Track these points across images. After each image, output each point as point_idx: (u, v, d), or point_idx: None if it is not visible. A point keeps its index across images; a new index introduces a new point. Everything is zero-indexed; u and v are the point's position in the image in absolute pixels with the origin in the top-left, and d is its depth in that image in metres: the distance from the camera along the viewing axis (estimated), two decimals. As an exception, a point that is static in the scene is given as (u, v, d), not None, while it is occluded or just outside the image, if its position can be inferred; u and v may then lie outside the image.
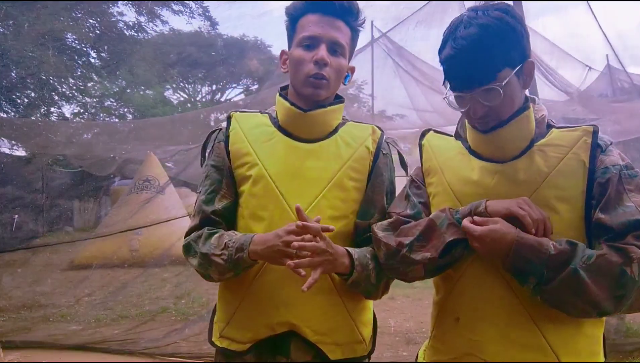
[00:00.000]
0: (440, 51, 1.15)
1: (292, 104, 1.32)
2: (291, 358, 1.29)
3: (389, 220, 1.26)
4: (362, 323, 1.36)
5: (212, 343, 1.39)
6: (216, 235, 1.29)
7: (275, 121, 1.36)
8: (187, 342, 4.19)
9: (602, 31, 6.15)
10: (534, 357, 1.11)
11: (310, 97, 1.30)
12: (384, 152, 1.38)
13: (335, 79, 1.31)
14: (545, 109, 1.23)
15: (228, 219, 1.35)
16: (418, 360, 1.35)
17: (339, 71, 1.31)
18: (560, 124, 1.22)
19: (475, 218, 1.10)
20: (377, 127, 1.40)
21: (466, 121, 1.25)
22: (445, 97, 1.17)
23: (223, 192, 1.35)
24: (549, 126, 1.21)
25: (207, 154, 1.41)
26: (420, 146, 1.33)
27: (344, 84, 1.37)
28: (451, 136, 1.32)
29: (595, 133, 1.15)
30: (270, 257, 1.21)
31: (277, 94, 1.38)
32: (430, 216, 1.20)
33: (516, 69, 1.11)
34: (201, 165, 1.42)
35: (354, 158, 1.33)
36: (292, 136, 1.33)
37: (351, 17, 1.31)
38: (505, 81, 1.08)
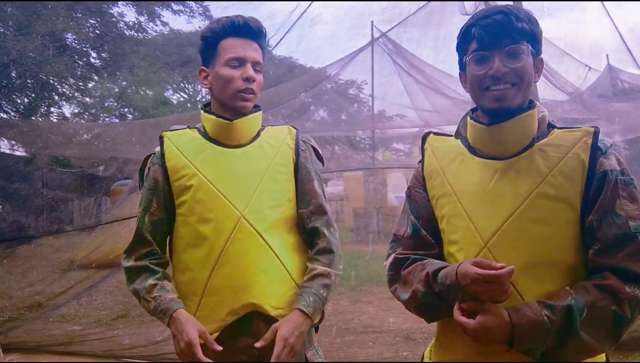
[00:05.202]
0: (467, 24, 1.20)
1: (218, 116, 1.51)
2: (257, 337, 1.42)
3: (390, 260, 1.29)
4: None
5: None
6: (151, 281, 1.46)
7: (204, 134, 1.54)
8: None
9: (615, 26, 6.11)
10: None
11: (240, 110, 1.50)
12: (302, 148, 1.59)
13: (258, 92, 1.53)
14: (545, 110, 1.25)
15: (155, 234, 1.52)
16: (424, 360, 1.35)
17: (260, 84, 1.53)
18: (561, 124, 1.22)
19: (464, 305, 1.09)
20: (292, 126, 1.63)
21: (468, 118, 1.26)
22: (467, 57, 1.20)
23: (152, 209, 1.52)
24: (550, 126, 1.22)
25: (144, 178, 1.56)
26: (423, 151, 1.34)
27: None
28: (451, 135, 1.33)
29: (596, 134, 1.15)
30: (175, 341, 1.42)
31: (202, 110, 1.56)
32: (413, 287, 1.20)
33: (533, 54, 1.18)
34: (139, 187, 1.59)
35: (278, 154, 1.55)
36: (222, 144, 1.52)
37: (262, 39, 1.54)
38: (529, 49, 1.16)
